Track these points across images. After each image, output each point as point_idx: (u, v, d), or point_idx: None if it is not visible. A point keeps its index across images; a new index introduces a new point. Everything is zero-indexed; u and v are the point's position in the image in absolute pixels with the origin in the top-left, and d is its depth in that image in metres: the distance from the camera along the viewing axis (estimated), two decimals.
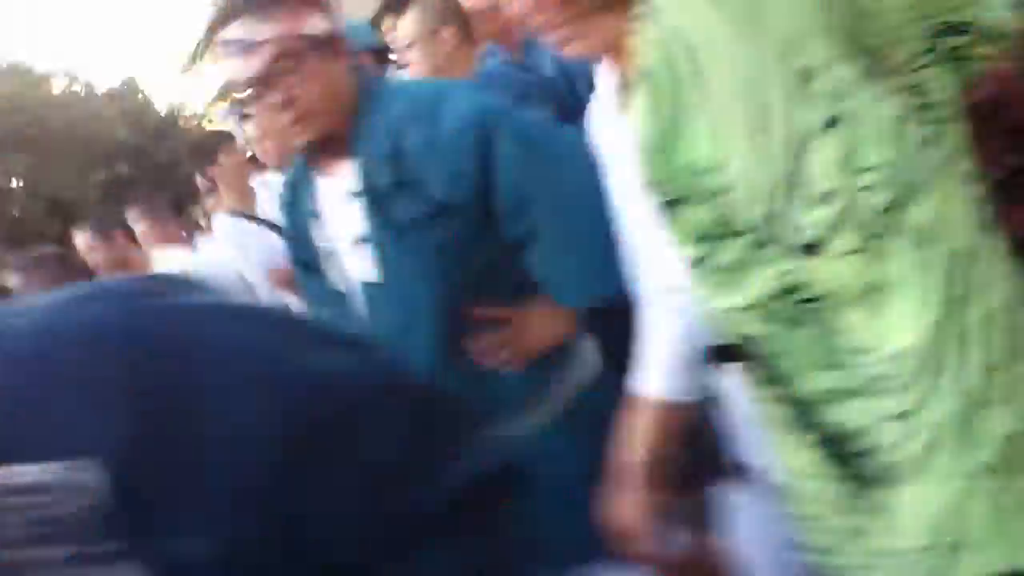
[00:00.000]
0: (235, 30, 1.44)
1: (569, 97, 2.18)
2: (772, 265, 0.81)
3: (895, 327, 0.78)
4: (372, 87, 1.56)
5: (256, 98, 1.47)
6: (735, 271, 0.83)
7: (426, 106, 1.49)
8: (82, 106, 20.55)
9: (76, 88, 21.57)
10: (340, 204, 1.55)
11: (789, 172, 0.77)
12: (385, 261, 1.51)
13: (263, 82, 1.45)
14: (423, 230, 1.47)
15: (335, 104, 1.50)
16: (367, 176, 1.50)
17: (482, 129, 1.45)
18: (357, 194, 1.51)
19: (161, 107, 22.60)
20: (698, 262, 0.86)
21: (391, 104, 1.52)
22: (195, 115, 21.83)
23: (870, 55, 0.77)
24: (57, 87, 21.24)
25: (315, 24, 1.48)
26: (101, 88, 22.08)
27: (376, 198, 1.49)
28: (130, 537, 0.58)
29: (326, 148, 1.53)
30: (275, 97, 1.45)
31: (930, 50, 0.82)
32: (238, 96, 1.49)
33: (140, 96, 22.15)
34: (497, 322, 1.52)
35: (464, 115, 1.46)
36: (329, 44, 1.49)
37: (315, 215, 1.61)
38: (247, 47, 1.43)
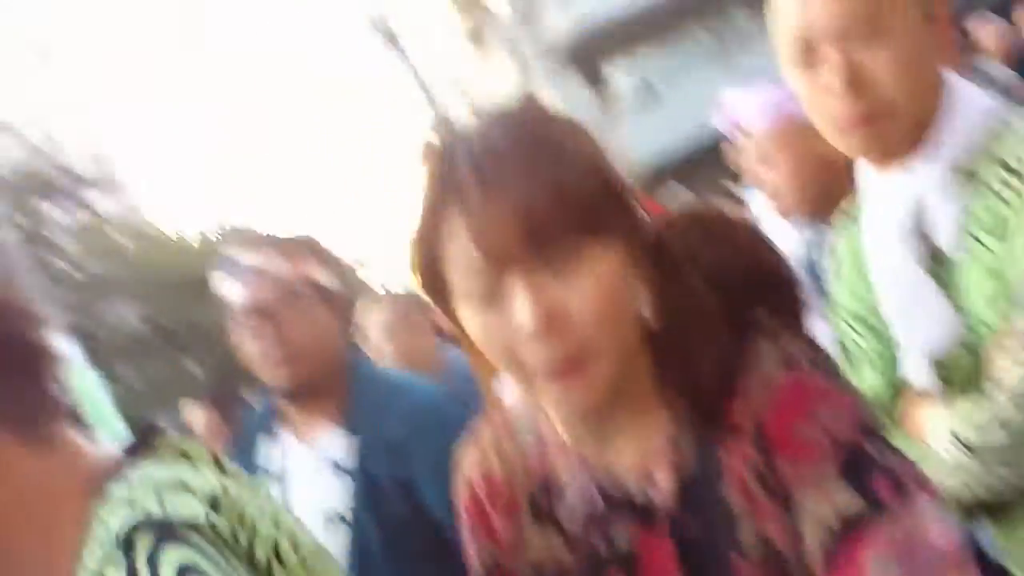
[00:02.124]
0: (252, 257, 1.45)
1: None
2: None
3: None
4: (360, 365, 1.56)
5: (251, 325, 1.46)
6: None
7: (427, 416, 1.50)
8: None
9: None
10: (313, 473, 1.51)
11: None
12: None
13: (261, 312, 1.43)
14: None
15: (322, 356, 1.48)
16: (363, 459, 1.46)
17: None
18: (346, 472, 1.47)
19: None
20: None
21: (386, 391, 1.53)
22: None
23: None
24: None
25: (322, 276, 1.49)
26: None
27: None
28: None
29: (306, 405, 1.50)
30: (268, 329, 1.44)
31: None
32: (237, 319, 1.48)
33: None
34: None
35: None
36: (330, 299, 1.49)
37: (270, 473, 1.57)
38: (255, 274, 1.44)
